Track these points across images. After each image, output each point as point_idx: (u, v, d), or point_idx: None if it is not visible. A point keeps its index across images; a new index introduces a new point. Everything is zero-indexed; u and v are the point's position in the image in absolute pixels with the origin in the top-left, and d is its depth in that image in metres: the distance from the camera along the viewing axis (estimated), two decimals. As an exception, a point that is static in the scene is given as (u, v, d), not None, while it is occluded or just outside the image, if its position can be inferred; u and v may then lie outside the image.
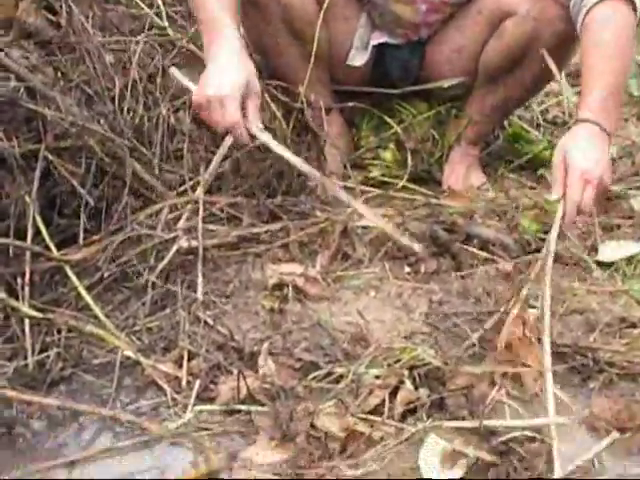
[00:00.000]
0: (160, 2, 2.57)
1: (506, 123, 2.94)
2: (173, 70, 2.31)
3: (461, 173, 2.69)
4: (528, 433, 1.61)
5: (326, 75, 2.64)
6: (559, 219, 2.04)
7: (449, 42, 2.67)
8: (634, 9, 2.27)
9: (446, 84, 2.66)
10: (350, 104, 2.62)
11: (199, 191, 2.17)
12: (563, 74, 3.32)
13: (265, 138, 2.18)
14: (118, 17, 2.55)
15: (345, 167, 2.55)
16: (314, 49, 2.44)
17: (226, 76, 2.15)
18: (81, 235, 2.12)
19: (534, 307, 1.98)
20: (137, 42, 2.43)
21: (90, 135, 2.14)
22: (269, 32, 2.52)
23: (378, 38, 2.68)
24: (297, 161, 2.18)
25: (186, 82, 2.26)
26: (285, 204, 2.25)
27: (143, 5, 2.57)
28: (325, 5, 2.47)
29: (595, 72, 2.22)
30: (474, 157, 2.74)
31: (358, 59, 2.67)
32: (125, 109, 2.30)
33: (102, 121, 2.23)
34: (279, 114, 2.38)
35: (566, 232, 2.08)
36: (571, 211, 2.07)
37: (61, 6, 2.36)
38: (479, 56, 2.60)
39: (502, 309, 1.92)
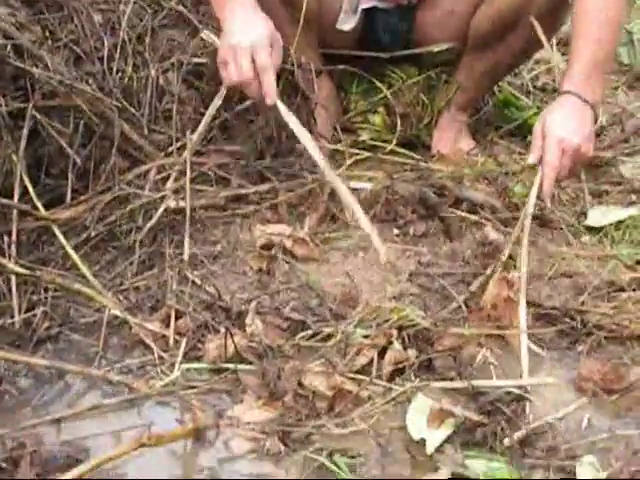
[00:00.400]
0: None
1: (496, 89, 2.93)
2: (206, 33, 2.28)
3: (450, 138, 2.67)
4: (515, 391, 1.62)
5: (315, 39, 2.60)
6: (537, 184, 2.06)
7: (440, 6, 2.64)
8: None
9: (436, 49, 2.64)
10: (340, 67, 2.59)
11: (187, 152, 2.16)
12: (554, 41, 3.33)
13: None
14: (107, -23, 2.53)
15: (335, 130, 2.55)
16: (303, 13, 2.42)
17: (250, 28, 2.15)
18: (69, 195, 2.12)
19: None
20: (126, 2, 2.40)
21: (78, 95, 2.12)
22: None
23: (368, 2, 2.65)
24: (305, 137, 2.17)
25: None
26: (274, 165, 2.25)
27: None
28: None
29: (582, 40, 2.22)
30: (463, 122, 2.72)
31: (347, 23, 2.64)
32: (114, 69, 2.28)
33: (90, 81, 2.21)
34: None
35: (543, 199, 2.07)
36: (548, 178, 2.08)
37: (49, -36, 2.34)
38: (470, 21, 2.57)
39: (488, 271, 1.93)
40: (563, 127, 2.10)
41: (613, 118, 2.91)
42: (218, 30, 2.24)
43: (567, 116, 2.13)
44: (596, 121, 2.23)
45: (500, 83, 2.93)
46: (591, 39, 2.21)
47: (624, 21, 2.38)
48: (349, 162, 2.39)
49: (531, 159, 2.11)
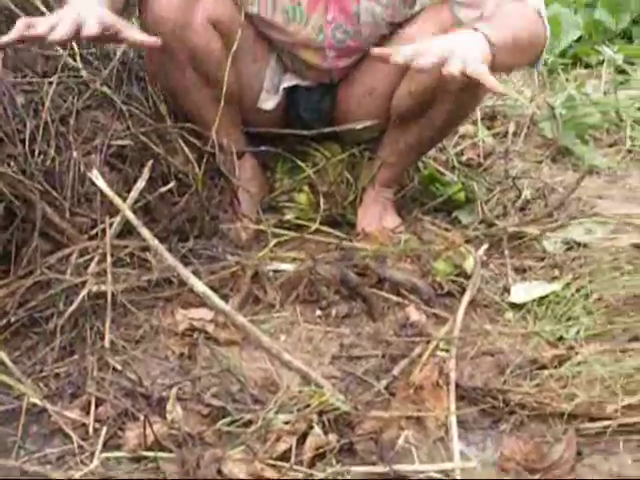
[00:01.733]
0: (74, 43, 2.54)
1: (421, 165, 2.96)
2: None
3: (375, 215, 2.68)
4: (438, 476, 1.62)
5: (237, 118, 2.63)
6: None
7: (361, 84, 2.67)
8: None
9: (358, 126, 2.66)
10: (262, 148, 2.61)
11: (109, 235, 2.15)
12: (478, 116, 3.39)
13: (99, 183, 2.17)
14: (31, 57, 2.52)
15: (258, 212, 2.56)
16: (223, 92, 2.43)
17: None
18: (-12, 279, 2.10)
19: (446, 350, 2.00)
20: (50, 83, 2.40)
21: (-1, 178, 2.11)
22: (177, 76, 2.49)
23: (289, 81, 2.68)
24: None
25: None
26: (196, 248, 2.25)
27: (57, 46, 2.54)
28: (234, 48, 2.47)
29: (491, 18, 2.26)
30: (388, 199, 2.73)
31: (269, 102, 2.67)
32: (36, 151, 2.27)
33: (12, 163, 2.20)
34: (192, 157, 2.38)
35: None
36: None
37: (-30, 47, 2.33)
38: (391, 97, 2.60)
39: (412, 354, 1.94)
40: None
41: (537, 192, 2.95)
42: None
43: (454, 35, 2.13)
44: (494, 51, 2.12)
45: (425, 159, 2.96)
46: (503, 21, 2.24)
47: (536, 40, 2.36)
48: (273, 243, 2.39)
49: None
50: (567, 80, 4.80)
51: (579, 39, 5.59)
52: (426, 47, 2.03)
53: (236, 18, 2.51)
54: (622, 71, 5.04)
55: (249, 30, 2.58)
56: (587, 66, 5.35)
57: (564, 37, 5.33)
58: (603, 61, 5.17)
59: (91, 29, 1.98)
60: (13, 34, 1.96)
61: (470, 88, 2.39)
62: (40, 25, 1.98)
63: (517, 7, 2.31)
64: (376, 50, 2.13)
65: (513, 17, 2.28)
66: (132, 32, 2.08)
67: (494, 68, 2.10)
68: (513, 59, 2.27)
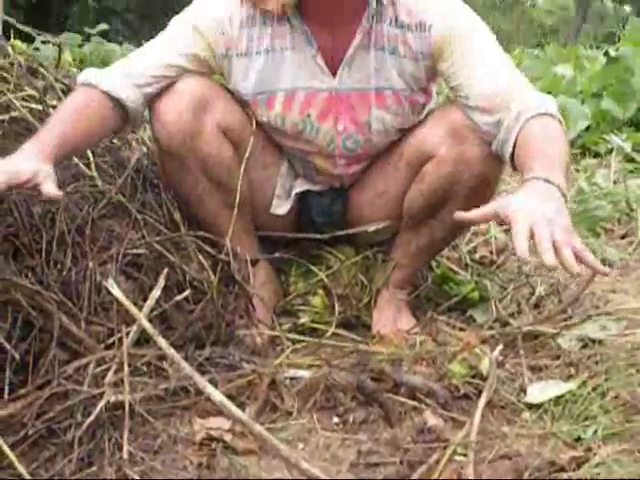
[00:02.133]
0: (89, 152, 2.59)
1: (434, 264, 2.98)
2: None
3: (390, 317, 2.70)
4: None
5: (250, 224, 2.68)
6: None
7: (372, 187, 2.72)
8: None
9: (371, 228, 2.70)
10: (275, 255, 2.65)
11: (125, 344, 2.16)
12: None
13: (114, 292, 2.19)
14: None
15: (272, 318, 2.58)
16: (237, 199, 2.47)
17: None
18: (6, 390, 2.10)
19: (463, 454, 1.99)
20: (66, 193, 2.44)
21: (17, 289, 2.14)
22: (189, 182, 2.54)
23: (301, 186, 2.74)
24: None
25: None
26: (213, 356, 2.26)
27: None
28: (246, 155, 2.52)
29: (533, 154, 2.20)
30: (402, 300, 2.75)
31: (281, 208, 2.72)
32: (52, 262, 2.30)
33: (29, 274, 2.23)
34: (207, 265, 2.40)
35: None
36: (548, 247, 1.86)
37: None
38: (402, 199, 2.64)
39: (430, 460, 1.93)
40: (530, 209, 1.94)
41: (550, 288, 2.95)
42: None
43: (534, 197, 2.01)
44: (566, 200, 2.07)
45: (437, 257, 2.98)
46: (542, 152, 2.19)
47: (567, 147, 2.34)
48: (289, 350, 2.40)
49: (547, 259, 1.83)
50: (577, 171, 4.85)
51: (587, 128, 5.65)
52: (517, 224, 1.91)
53: (246, 125, 2.57)
54: (631, 159, 5.09)
55: (260, 137, 2.63)
56: (596, 155, 5.41)
57: (572, 127, 5.40)
58: (612, 149, 5.23)
59: None
60: None
61: (480, 189, 2.42)
62: None
63: (548, 126, 2.30)
64: (458, 215, 2.08)
65: (556, 143, 2.25)
66: (47, 187, 2.14)
67: None
68: None
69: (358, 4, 2.49)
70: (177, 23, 2.58)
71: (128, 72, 2.47)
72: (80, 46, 12.45)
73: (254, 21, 2.54)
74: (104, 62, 9.72)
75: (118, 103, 2.45)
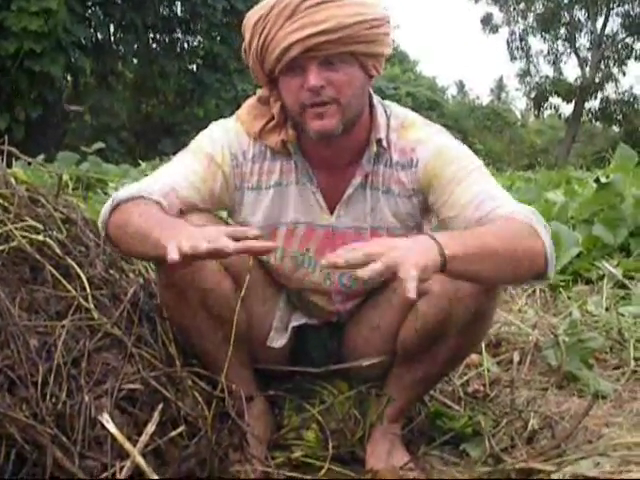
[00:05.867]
0: (86, 284, 2.61)
1: (427, 398, 2.99)
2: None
3: (384, 451, 2.68)
4: None
5: (247, 357, 2.70)
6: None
7: (367, 321, 2.75)
8: (545, 255, 2.33)
9: (365, 363, 2.71)
10: (271, 393, 2.66)
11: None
12: (483, 345, 3.43)
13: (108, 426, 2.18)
14: (44, 298, 2.59)
15: (268, 449, 2.57)
16: (233, 333, 2.49)
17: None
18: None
19: None
20: (63, 326, 2.45)
21: (11, 423, 2.14)
22: (189, 314, 2.56)
23: (298, 320, 2.77)
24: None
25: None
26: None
27: (69, 287, 2.61)
28: (243, 292, 2.55)
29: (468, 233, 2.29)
30: (396, 435, 2.74)
31: (278, 341, 2.74)
32: (48, 395, 2.30)
33: (24, 407, 2.23)
34: (201, 401, 2.41)
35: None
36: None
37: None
38: (396, 334, 2.65)
39: None
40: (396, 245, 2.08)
41: (544, 422, 2.95)
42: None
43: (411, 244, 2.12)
44: (444, 261, 2.12)
45: (431, 391, 2.98)
46: (473, 233, 2.27)
47: (524, 253, 2.34)
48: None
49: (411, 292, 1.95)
50: (569, 298, 4.88)
51: (579, 255, 5.70)
52: (367, 247, 2.06)
53: (246, 260, 2.60)
54: (622, 285, 5.13)
55: (259, 272, 2.68)
56: (588, 281, 5.44)
57: (564, 254, 5.44)
58: (603, 276, 5.27)
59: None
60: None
61: (474, 324, 2.45)
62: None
63: (499, 221, 2.34)
64: (323, 262, 2.09)
65: (491, 229, 2.30)
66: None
67: (454, 276, 2.21)
68: (489, 272, 2.26)
69: (358, 147, 2.57)
70: (192, 154, 2.63)
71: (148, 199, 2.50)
72: (77, 164, 12.59)
73: (265, 156, 2.62)
74: (100, 181, 9.82)
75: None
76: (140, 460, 2.11)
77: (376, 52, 2.47)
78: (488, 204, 2.43)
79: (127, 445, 2.13)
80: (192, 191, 2.55)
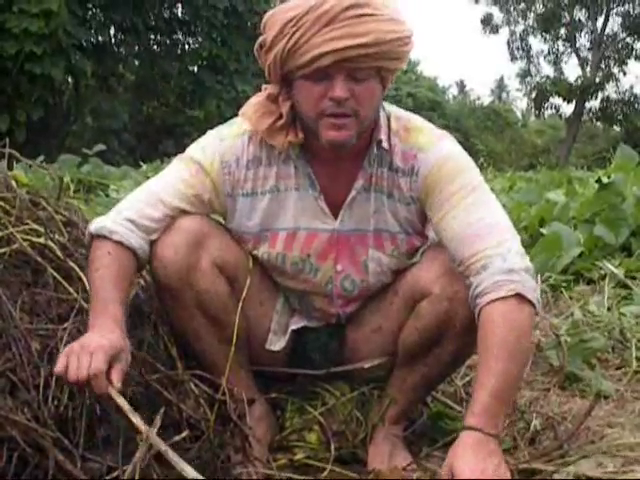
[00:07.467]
0: (87, 285, 2.61)
1: (429, 398, 2.98)
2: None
3: (386, 453, 2.68)
4: None
5: (246, 359, 2.69)
6: None
7: (368, 323, 2.75)
8: (533, 306, 2.34)
9: (366, 365, 2.71)
10: (272, 395, 2.65)
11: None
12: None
13: (119, 400, 2.16)
14: (46, 301, 2.59)
15: (268, 457, 2.57)
16: (234, 336, 2.49)
17: (101, 337, 2.18)
18: (1, 530, 2.09)
19: None
20: (64, 328, 2.45)
21: (13, 426, 2.13)
22: (185, 317, 2.57)
23: (297, 323, 2.76)
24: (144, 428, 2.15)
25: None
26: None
27: (71, 289, 2.61)
28: (244, 295, 2.56)
29: (485, 373, 2.29)
30: (397, 437, 2.73)
31: (277, 344, 2.74)
32: (49, 397, 2.30)
33: (26, 410, 2.23)
34: (203, 403, 2.40)
35: None
36: None
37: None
38: (398, 336, 2.65)
39: None
40: (470, 470, 2.14)
41: (546, 422, 2.95)
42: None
43: (472, 456, 2.17)
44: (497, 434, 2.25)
45: (433, 393, 2.98)
46: (494, 371, 2.27)
47: (531, 349, 2.42)
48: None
49: None
50: (571, 298, 4.87)
51: (580, 255, 5.69)
52: None
53: (243, 262, 2.61)
54: (624, 285, 5.12)
55: (256, 273, 2.66)
56: (589, 282, 5.43)
57: (565, 254, 5.44)
58: (605, 276, 5.27)
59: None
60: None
61: (474, 328, 2.45)
62: None
63: (498, 329, 2.32)
64: None
65: (502, 354, 2.29)
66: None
67: None
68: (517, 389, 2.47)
69: (360, 149, 2.55)
70: (182, 162, 2.63)
71: (135, 222, 2.49)
72: (78, 166, 12.60)
73: (260, 161, 2.60)
74: (101, 183, 9.85)
75: (134, 253, 2.48)
76: (154, 436, 2.08)
77: (398, 68, 2.47)
78: (478, 244, 2.41)
79: (137, 420, 2.11)
80: (178, 198, 2.55)
